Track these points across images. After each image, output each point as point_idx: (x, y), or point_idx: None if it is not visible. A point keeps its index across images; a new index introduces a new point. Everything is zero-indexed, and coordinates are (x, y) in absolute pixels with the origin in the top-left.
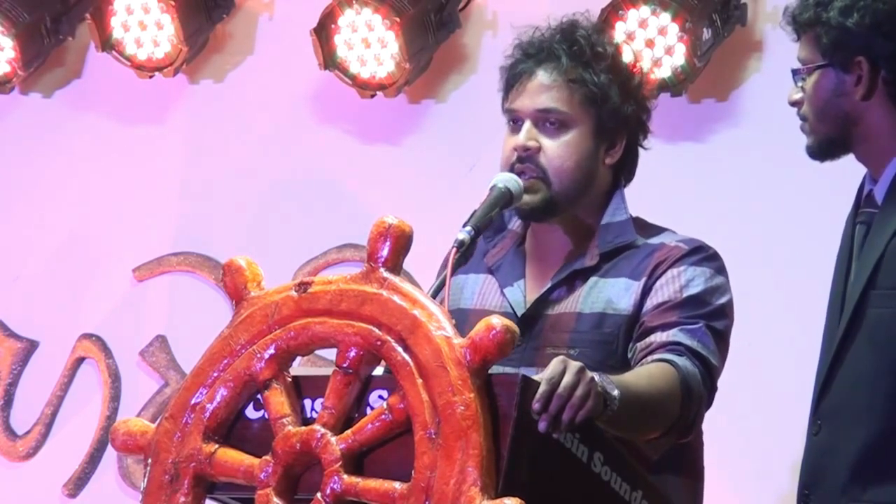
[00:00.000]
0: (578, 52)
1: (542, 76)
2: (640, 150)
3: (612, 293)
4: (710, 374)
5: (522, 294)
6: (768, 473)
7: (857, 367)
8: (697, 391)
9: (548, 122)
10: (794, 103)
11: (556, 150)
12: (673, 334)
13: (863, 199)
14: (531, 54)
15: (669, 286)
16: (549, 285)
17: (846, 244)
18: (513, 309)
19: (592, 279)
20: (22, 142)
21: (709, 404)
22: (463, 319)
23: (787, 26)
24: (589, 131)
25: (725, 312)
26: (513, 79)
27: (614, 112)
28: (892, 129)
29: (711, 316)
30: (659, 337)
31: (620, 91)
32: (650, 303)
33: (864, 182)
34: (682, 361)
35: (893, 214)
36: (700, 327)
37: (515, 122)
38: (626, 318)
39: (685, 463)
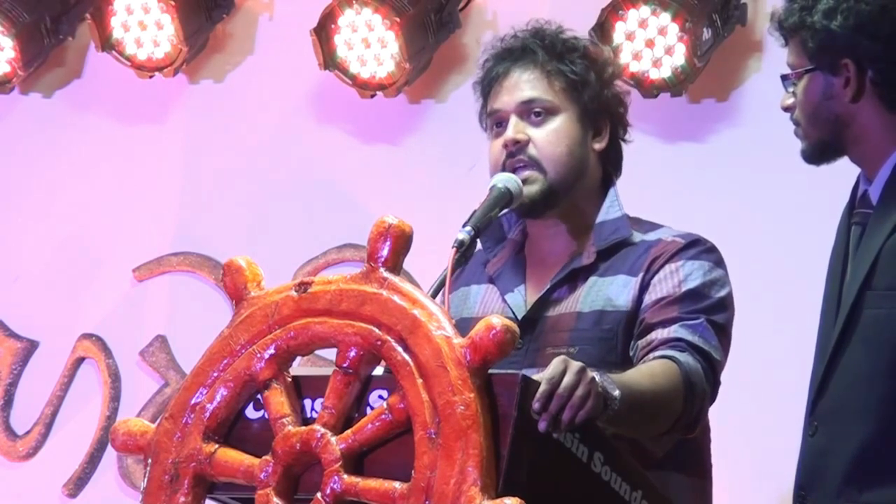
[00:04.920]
0: (551, 46)
1: (519, 73)
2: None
3: (611, 290)
4: (712, 368)
5: (523, 298)
6: (768, 473)
7: (853, 368)
8: (700, 387)
9: (532, 112)
10: (786, 109)
11: (546, 138)
12: (674, 330)
13: (857, 200)
14: (505, 57)
15: (668, 281)
16: (548, 286)
17: (841, 244)
18: (514, 313)
19: (591, 279)
20: (22, 142)
21: (712, 399)
22: (467, 328)
23: (775, 32)
24: (574, 116)
25: (725, 305)
26: (490, 83)
27: (596, 96)
28: (883, 129)
29: (712, 310)
30: (660, 333)
31: (597, 78)
32: (649, 298)
33: (859, 182)
34: (683, 357)
35: (889, 215)
36: (701, 322)
37: (500, 124)
38: (625, 314)
39: (691, 461)
